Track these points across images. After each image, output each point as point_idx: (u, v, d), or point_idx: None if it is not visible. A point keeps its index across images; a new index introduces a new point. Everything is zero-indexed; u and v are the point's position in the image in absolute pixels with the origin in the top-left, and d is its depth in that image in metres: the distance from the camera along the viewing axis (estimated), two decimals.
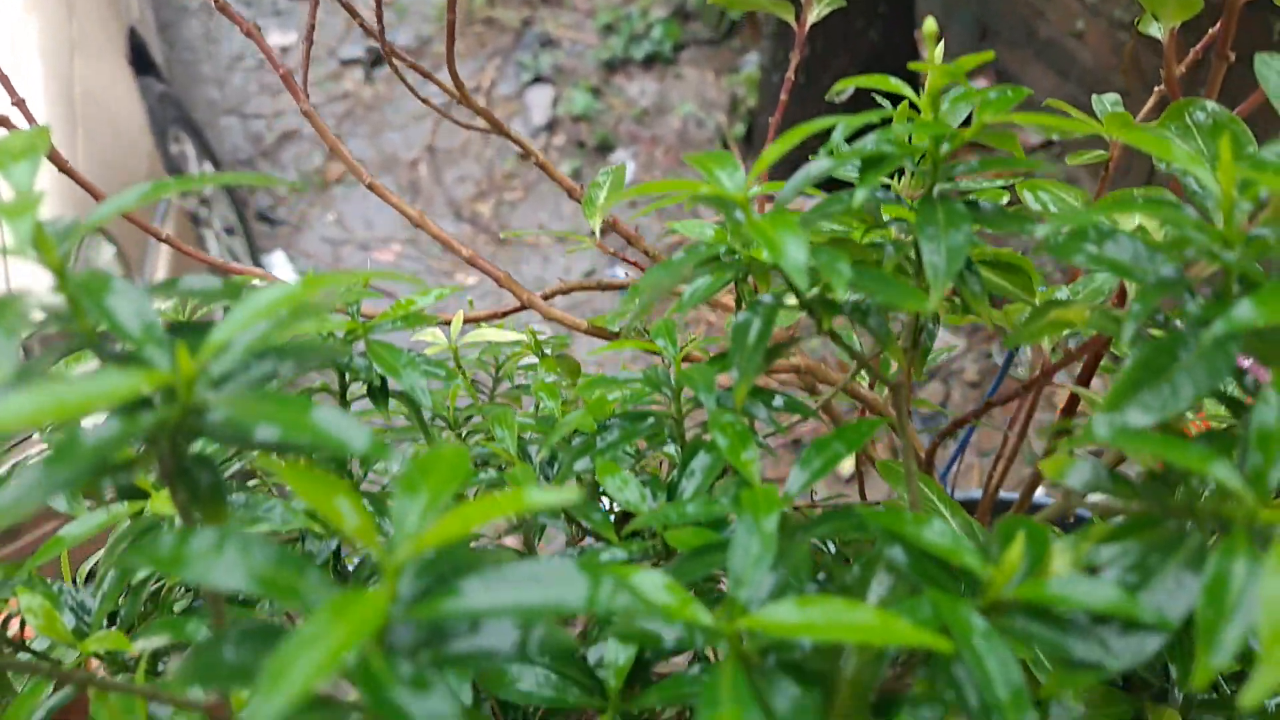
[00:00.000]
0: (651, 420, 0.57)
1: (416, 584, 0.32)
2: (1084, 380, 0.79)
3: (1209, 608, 0.34)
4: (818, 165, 0.46)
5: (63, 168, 0.77)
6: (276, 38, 4.33)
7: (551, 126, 3.85)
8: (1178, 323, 0.40)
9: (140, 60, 2.89)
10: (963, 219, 0.45)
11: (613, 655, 0.50)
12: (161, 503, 0.52)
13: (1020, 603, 0.39)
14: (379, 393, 0.59)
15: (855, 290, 0.43)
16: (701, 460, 0.55)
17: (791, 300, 0.48)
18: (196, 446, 0.37)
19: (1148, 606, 0.36)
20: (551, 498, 0.32)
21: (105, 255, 2.05)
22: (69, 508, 0.57)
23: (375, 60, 4.08)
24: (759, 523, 0.41)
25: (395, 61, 0.84)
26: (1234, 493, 0.35)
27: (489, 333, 0.73)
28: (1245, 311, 0.35)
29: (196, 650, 0.32)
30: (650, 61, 4.00)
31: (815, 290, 0.45)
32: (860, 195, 0.44)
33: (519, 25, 4.26)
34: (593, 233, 0.81)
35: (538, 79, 4.03)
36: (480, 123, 0.90)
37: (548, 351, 0.76)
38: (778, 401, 0.59)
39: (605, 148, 3.74)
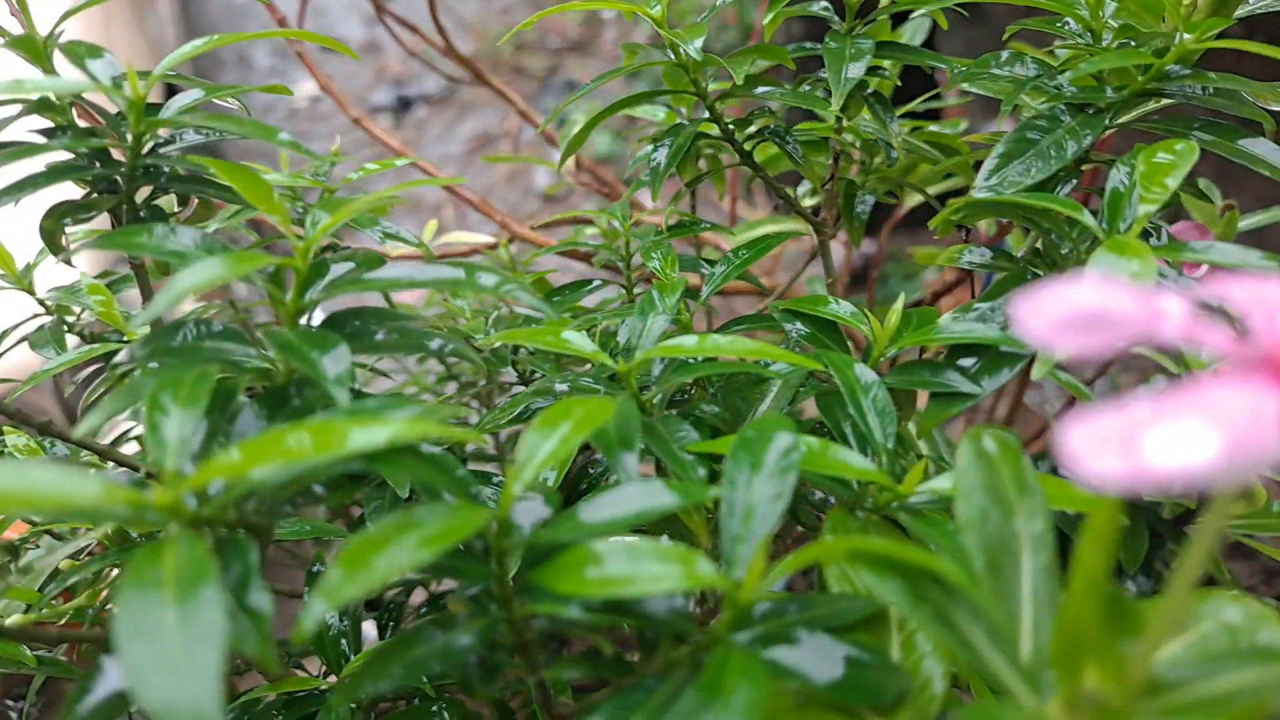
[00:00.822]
0: (598, 282, 0.61)
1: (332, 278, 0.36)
2: None
3: None
4: None
5: None
6: (309, 89, 4.49)
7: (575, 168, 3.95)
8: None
9: None
10: (864, 51, 0.49)
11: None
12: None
13: (904, 362, 0.42)
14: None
15: (762, 98, 0.46)
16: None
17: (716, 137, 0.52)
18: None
19: (1011, 338, 0.39)
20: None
21: None
22: (55, 354, 0.61)
23: (403, 106, 4.22)
24: (664, 298, 0.44)
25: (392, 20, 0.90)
26: (1090, 229, 0.39)
27: (461, 234, 0.77)
28: (1086, 66, 0.39)
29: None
30: None
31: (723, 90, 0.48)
32: (769, 15, 0.48)
33: (545, 73, 4.39)
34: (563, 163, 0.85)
35: (562, 124, 4.15)
36: (465, 74, 0.96)
37: (519, 267, 0.80)
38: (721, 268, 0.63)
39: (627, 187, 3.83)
